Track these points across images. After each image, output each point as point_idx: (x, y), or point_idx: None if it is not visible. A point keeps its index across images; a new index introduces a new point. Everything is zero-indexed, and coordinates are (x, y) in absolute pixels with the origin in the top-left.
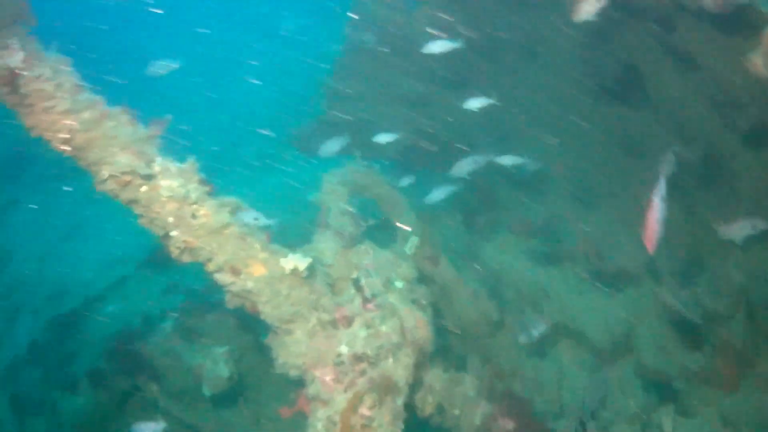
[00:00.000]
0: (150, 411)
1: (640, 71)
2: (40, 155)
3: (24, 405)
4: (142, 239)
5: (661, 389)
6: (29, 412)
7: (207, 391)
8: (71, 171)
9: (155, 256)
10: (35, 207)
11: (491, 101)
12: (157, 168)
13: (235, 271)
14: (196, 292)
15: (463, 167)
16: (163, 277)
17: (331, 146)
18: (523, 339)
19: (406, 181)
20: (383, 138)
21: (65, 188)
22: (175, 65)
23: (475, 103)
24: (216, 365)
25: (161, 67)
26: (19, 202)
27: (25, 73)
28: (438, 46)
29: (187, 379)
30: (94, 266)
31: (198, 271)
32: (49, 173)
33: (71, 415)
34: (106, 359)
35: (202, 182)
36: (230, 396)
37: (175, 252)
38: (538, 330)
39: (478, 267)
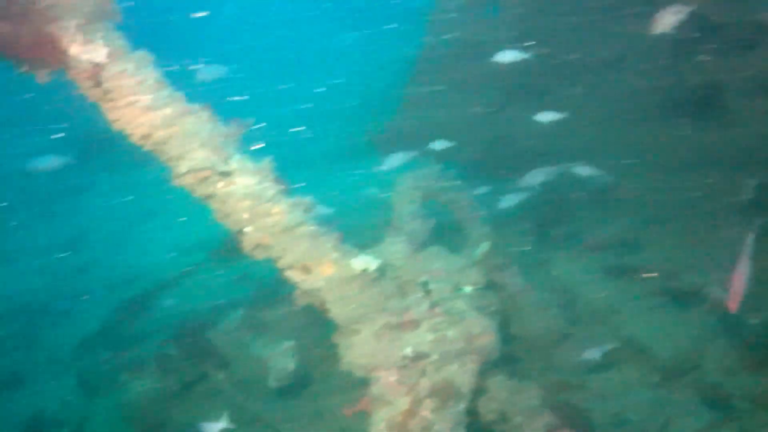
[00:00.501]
0: (215, 399)
1: (720, 88)
2: (117, 141)
3: (92, 385)
4: (216, 227)
5: (725, 410)
6: (97, 392)
7: (273, 383)
8: (147, 158)
9: (228, 245)
10: (112, 192)
11: (562, 115)
12: (234, 165)
13: (306, 270)
14: (266, 285)
15: (536, 177)
16: (235, 267)
17: (406, 149)
18: (588, 355)
19: (480, 188)
20: (439, 145)
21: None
22: (222, 70)
23: (546, 116)
24: (283, 358)
25: (209, 72)
26: (96, 186)
27: (109, 68)
28: (509, 56)
29: (253, 370)
30: (168, 251)
31: (269, 263)
32: (126, 159)
33: (137, 397)
34: (174, 344)
35: (278, 181)
36: (295, 390)
37: (248, 248)
38: (603, 348)
39: (548, 277)
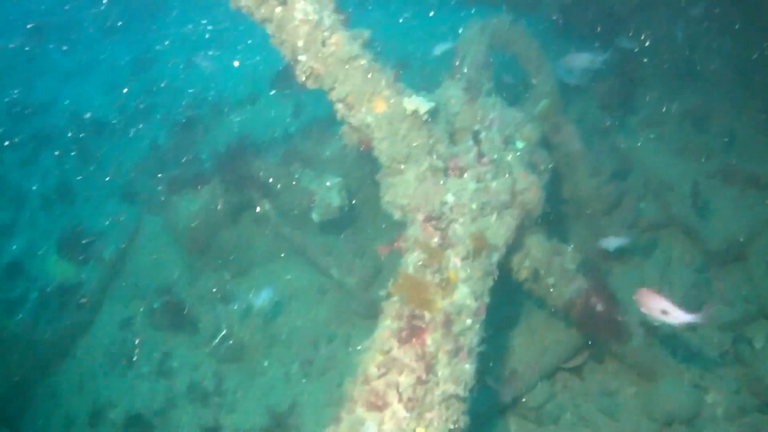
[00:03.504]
0: (261, 227)
1: None
2: None
3: (141, 203)
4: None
5: (760, 307)
6: (146, 210)
7: (316, 216)
8: None
9: (285, 74)
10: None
11: None
12: None
13: (357, 104)
14: (321, 119)
15: (575, 61)
16: (291, 98)
17: None
18: (629, 233)
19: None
20: None
21: None
22: None
23: None
24: (329, 193)
25: None
26: (166, 9)
27: None
28: None
29: (299, 202)
30: (230, 77)
31: (324, 96)
32: None
33: (186, 217)
34: (226, 170)
35: (338, 11)
36: (337, 225)
37: (300, 76)
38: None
39: (607, 144)
